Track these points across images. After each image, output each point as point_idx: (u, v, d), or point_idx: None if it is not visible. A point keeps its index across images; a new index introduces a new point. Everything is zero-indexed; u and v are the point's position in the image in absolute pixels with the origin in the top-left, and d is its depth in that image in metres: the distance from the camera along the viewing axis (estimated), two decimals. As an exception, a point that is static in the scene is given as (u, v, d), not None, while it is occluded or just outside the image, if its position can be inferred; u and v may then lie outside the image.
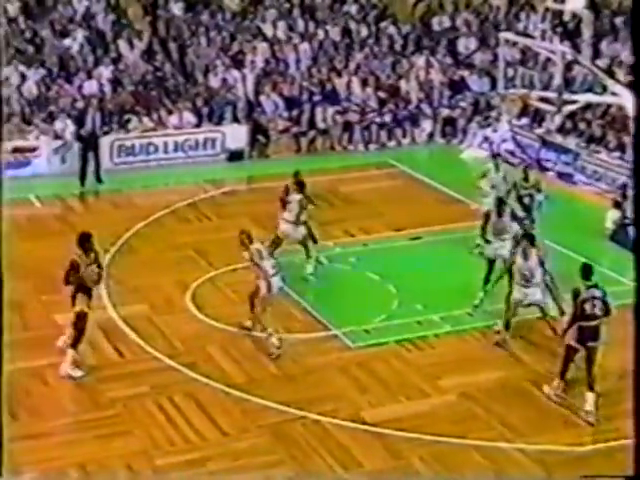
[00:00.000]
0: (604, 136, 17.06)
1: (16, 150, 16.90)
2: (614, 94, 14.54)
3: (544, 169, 17.59)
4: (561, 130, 17.75)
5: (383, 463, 9.04)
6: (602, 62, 18.37)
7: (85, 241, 10.29)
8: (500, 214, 12.09)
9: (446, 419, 9.72)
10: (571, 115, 17.24)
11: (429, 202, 15.61)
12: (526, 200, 13.02)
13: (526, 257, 10.84)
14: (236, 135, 18.37)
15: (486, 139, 18.56)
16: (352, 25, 21.33)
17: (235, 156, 18.35)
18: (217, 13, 21.02)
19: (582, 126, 17.50)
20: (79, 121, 17.03)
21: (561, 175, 17.27)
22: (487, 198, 13.24)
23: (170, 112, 18.38)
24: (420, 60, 20.50)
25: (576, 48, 16.27)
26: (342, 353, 11.02)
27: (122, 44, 19.76)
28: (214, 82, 19.31)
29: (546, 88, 15.01)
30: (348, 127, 19.09)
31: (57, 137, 17.42)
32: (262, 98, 19.18)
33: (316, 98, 19.25)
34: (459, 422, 9.67)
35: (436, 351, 11.14)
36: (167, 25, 20.50)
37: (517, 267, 10.87)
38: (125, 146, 17.57)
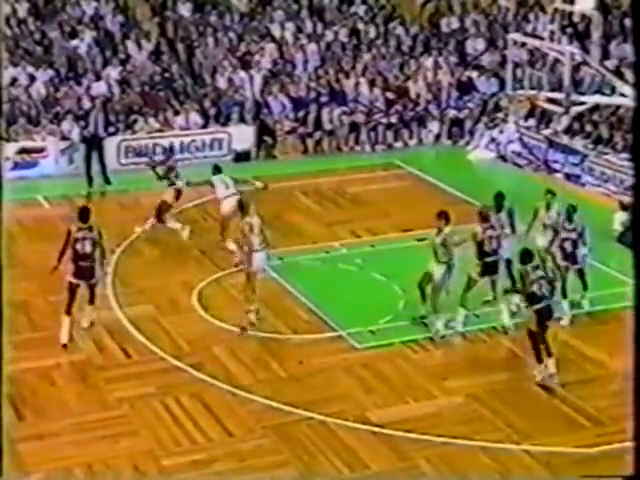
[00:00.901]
0: (612, 137, 17.02)
1: (23, 151, 16.99)
2: (623, 95, 14.50)
3: (552, 170, 17.58)
4: (569, 131, 17.72)
5: (389, 464, 9.04)
6: (611, 63, 18.33)
7: (84, 215, 10.96)
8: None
9: (452, 420, 9.72)
10: (579, 116, 17.21)
11: (436, 203, 15.56)
12: (567, 246, 11.85)
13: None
14: (243, 136, 18.41)
15: (493, 140, 18.55)
16: (360, 26, 21.35)
17: (242, 157, 18.39)
18: (225, 14, 21.07)
19: (590, 127, 17.47)
20: (83, 122, 17.09)
21: (569, 176, 17.24)
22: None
23: (177, 113, 18.44)
24: (428, 61, 20.50)
25: (585, 49, 16.25)
26: (348, 354, 11.03)
27: (130, 45, 19.84)
28: (221, 83, 19.36)
29: (554, 89, 14.98)
30: (355, 128, 19.11)
31: (64, 138, 17.50)
32: (269, 99, 19.22)
33: (323, 99, 19.28)
34: (465, 423, 9.67)
35: (442, 352, 11.14)
36: (175, 26, 20.57)
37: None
38: (132, 147, 17.63)
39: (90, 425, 9.57)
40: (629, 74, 18.00)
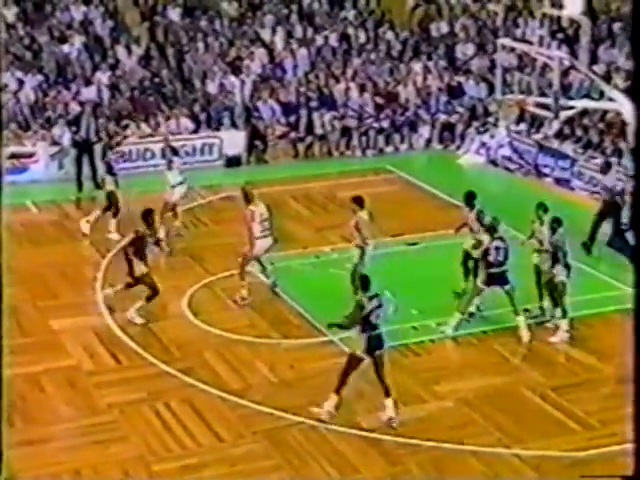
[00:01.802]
0: (601, 142, 17.10)
1: (13, 156, 16.94)
2: (611, 100, 14.57)
3: (542, 175, 17.64)
4: (559, 136, 17.79)
5: (380, 469, 9.05)
6: (599, 68, 18.43)
7: (147, 216, 11.72)
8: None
9: (443, 425, 9.73)
10: (569, 121, 17.27)
11: (426, 208, 15.65)
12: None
13: None
14: (234, 141, 18.42)
15: (483, 145, 18.61)
16: (350, 31, 21.39)
17: (233, 162, 18.40)
18: (215, 19, 21.08)
19: (579, 132, 17.55)
20: (75, 127, 17.06)
21: (558, 181, 17.30)
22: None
23: (167, 118, 18.43)
24: (417, 66, 20.56)
25: (574, 54, 16.32)
26: (339, 359, 10.99)
27: (120, 50, 19.83)
28: (212, 88, 19.36)
29: (543, 94, 15.04)
30: (346, 132, 19.14)
31: (54, 143, 17.48)
32: (259, 104, 19.23)
33: (313, 104, 19.31)
34: (456, 428, 9.68)
35: (433, 357, 11.16)
36: (165, 31, 20.57)
37: None
38: (122, 152, 17.58)
39: (80, 431, 9.54)
40: (617, 79, 18.12)
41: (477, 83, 20.18)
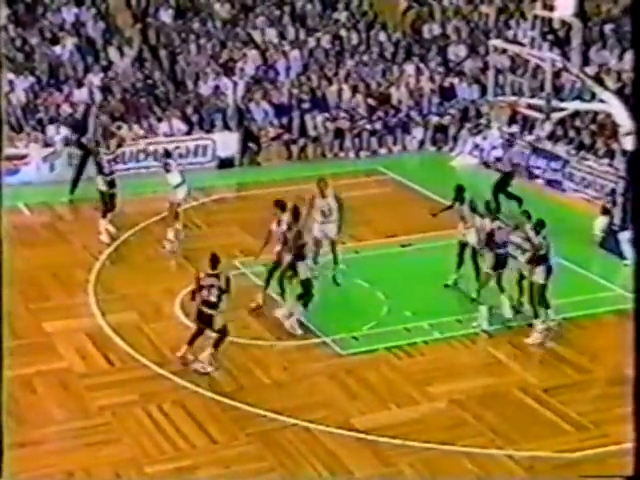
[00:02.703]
0: (593, 143, 17.15)
1: (5, 158, 16.89)
2: (602, 101, 14.62)
3: (533, 176, 17.68)
4: (551, 137, 17.84)
5: (373, 470, 9.06)
6: (590, 69, 18.49)
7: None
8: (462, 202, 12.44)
9: (436, 426, 9.75)
10: (561, 122, 17.33)
11: (419, 209, 15.65)
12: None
13: None
14: (227, 143, 18.41)
15: (476, 146, 18.64)
16: (343, 32, 21.41)
17: (226, 163, 18.39)
18: (207, 20, 21.07)
19: (571, 133, 17.61)
20: (81, 129, 17.07)
21: (550, 182, 17.35)
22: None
23: (160, 120, 18.42)
24: (410, 67, 20.60)
25: (566, 56, 16.38)
26: (332, 360, 11.05)
27: (112, 52, 19.81)
28: (204, 89, 19.36)
29: (535, 96, 15.09)
30: (339, 134, 19.16)
31: (46, 145, 17.45)
32: (252, 105, 19.24)
33: (306, 105, 19.33)
34: (449, 429, 9.71)
35: (425, 358, 11.18)
36: (157, 33, 20.55)
37: None
38: (116, 153, 17.54)
39: (72, 433, 9.53)
40: (609, 80, 18.19)
41: (469, 85, 20.23)
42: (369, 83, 20.08)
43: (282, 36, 21.03)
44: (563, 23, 17.72)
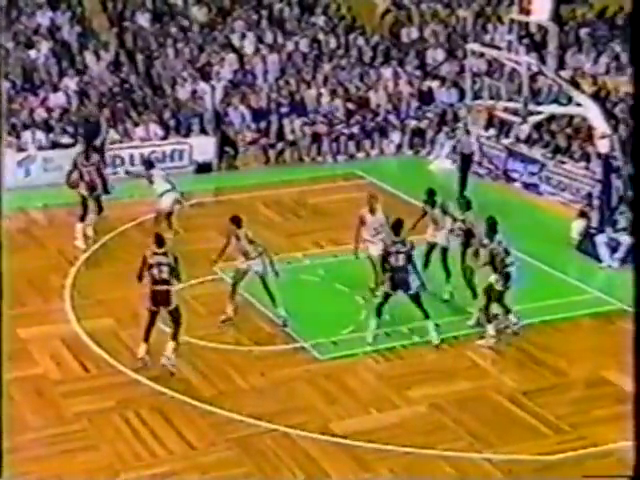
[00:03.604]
0: (569, 147, 17.29)
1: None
2: (578, 105, 14.75)
3: (510, 180, 17.79)
4: (528, 141, 17.96)
5: (352, 475, 9.06)
6: (566, 73, 18.65)
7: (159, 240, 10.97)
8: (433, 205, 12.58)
9: (415, 430, 9.77)
10: (537, 126, 17.45)
11: (397, 213, 15.61)
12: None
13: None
14: (204, 147, 18.36)
15: (454, 150, 18.70)
16: (321, 36, 21.44)
17: (203, 168, 18.33)
18: (185, 24, 21.02)
19: (548, 137, 17.73)
20: (93, 132, 17.20)
21: (527, 185, 17.46)
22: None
23: (136, 124, 18.34)
24: (388, 71, 20.66)
25: (542, 59, 16.51)
26: (310, 365, 11.04)
27: (88, 56, 19.70)
28: (181, 94, 19.30)
29: (512, 99, 15.20)
30: (317, 138, 19.17)
31: (20, 149, 17.33)
32: (230, 110, 19.21)
33: (284, 110, 19.33)
34: (428, 433, 9.73)
35: (405, 362, 11.20)
36: (134, 36, 20.47)
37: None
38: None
39: (48, 440, 9.45)
40: (584, 84, 18.35)
41: (447, 89, 20.33)
42: (347, 87, 20.12)
43: (260, 40, 21.02)
44: (539, 27, 17.86)
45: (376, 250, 12.14)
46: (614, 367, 10.82)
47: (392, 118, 19.76)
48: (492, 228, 11.38)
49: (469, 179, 16.74)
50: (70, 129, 17.88)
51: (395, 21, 22.60)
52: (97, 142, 17.08)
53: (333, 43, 21.41)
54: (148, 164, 15.13)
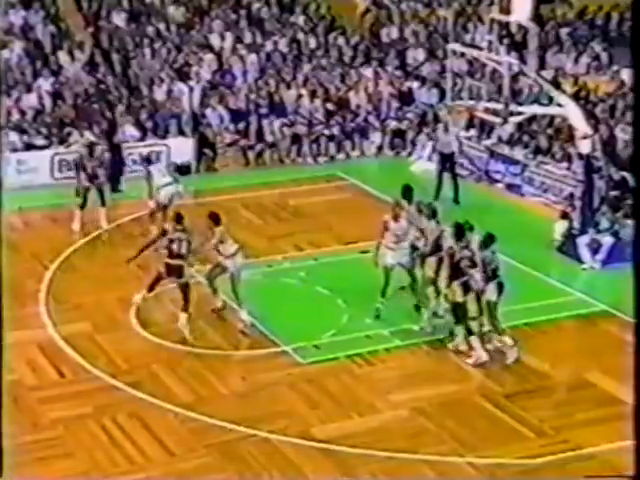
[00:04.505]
0: (551, 147, 17.40)
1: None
2: (559, 105, 14.86)
3: (493, 181, 17.87)
4: (509, 142, 18.06)
5: (334, 480, 9.07)
6: (547, 73, 18.78)
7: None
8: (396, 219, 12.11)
9: (398, 434, 9.79)
10: (519, 126, 17.56)
11: (379, 215, 15.67)
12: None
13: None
14: (182, 149, 18.30)
15: (435, 151, 18.76)
16: (300, 36, 21.45)
17: (182, 170, 18.25)
18: (162, 24, 20.95)
19: (529, 137, 17.84)
20: (110, 131, 17.46)
21: (510, 187, 17.55)
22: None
23: (112, 125, 18.23)
24: (368, 72, 20.71)
25: (523, 59, 16.61)
26: (292, 369, 11.03)
27: (62, 56, 19.58)
28: (159, 95, 19.24)
29: (493, 100, 15.28)
30: (297, 140, 19.17)
31: (-5, 151, 17.21)
32: (208, 111, 19.17)
33: (263, 110, 19.32)
34: (411, 437, 9.75)
35: (387, 366, 11.21)
36: (110, 36, 20.37)
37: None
38: (66, 161, 17.38)
39: (23, 447, 9.34)
40: (566, 84, 18.50)
41: (428, 89, 20.40)
42: (327, 87, 20.13)
43: (239, 40, 20.99)
44: (520, 27, 17.97)
45: (393, 258, 11.88)
46: (597, 369, 10.91)
47: (372, 119, 19.81)
48: (490, 238, 11.16)
49: (446, 180, 16.72)
50: (44, 130, 17.79)
51: (375, 21, 22.65)
52: (115, 140, 17.31)
53: (313, 43, 21.41)
54: (147, 161, 15.33)
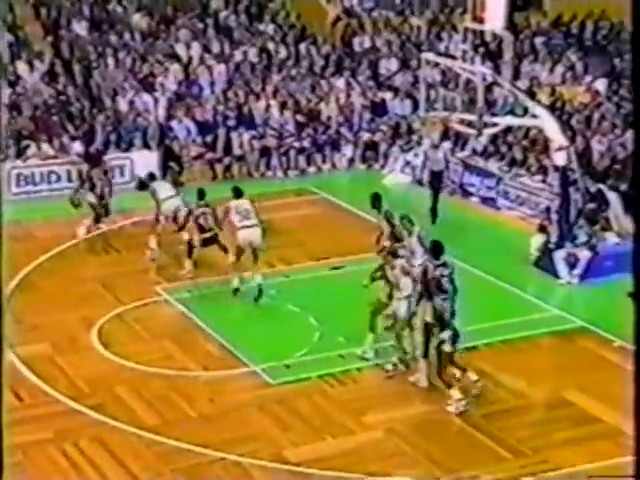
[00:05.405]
0: (526, 159, 17.56)
1: None
2: (534, 116, 15.04)
3: (467, 194, 17.99)
4: (483, 154, 18.21)
5: (306, 505, 9.07)
6: (522, 83, 19.02)
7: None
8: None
9: (372, 456, 9.81)
10: (493, 138, 17.73)
11: (351, 230, 15.80)
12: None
13: None
14: (146, 162, 18.25)
15: (408, 164, 18.90)
16: (270, 46, 21.54)
17: (145, 184, 18.20)
18: (125, 33, 20.94)
19: (503, 149, 18.01)
20: (88, 140, 17.69)
21: (485, 200, 17.66)
22: None
23: (74, 138, 18.19)
24: (340, 82, 20.83)
25: (498, 69, 16.81)
26: (262, 390, 11.02)
27: (21, 66, 19.50)
28: (122, 106, 19.21)
29: (467, 111, 15.44)
30: (266, 152, 19.22)
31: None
32: (174, 123, 19.17)
33: (231, 122, 19.35)
34: (385, 459, 9.78)
35: (359, 386, 11.24)
36: (70, 46, 20.32)
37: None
38: (24, 175, 17.30)
39: (-20, 476, 9.25)
40: (541, 94, 18.74)
41: (401, 100, 20.57)
42: (298, 99, 20.22)
43: (206, 49, 21.04)
44: (494, 36, 18.19)
45: (406, 311, 11.22)
46: (575, 387, 11.01)
47: (344, 131, 19.91)
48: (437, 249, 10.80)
49: (427, 194, 16.82)
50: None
51: (346, 29, 22.80)
52: (91, 149, 17.49)
53: (283, 53, 21.52)
54: (149, 177, 15.53)
